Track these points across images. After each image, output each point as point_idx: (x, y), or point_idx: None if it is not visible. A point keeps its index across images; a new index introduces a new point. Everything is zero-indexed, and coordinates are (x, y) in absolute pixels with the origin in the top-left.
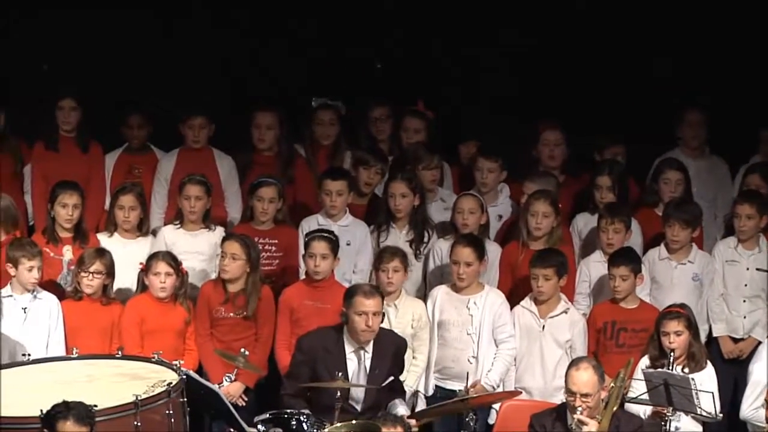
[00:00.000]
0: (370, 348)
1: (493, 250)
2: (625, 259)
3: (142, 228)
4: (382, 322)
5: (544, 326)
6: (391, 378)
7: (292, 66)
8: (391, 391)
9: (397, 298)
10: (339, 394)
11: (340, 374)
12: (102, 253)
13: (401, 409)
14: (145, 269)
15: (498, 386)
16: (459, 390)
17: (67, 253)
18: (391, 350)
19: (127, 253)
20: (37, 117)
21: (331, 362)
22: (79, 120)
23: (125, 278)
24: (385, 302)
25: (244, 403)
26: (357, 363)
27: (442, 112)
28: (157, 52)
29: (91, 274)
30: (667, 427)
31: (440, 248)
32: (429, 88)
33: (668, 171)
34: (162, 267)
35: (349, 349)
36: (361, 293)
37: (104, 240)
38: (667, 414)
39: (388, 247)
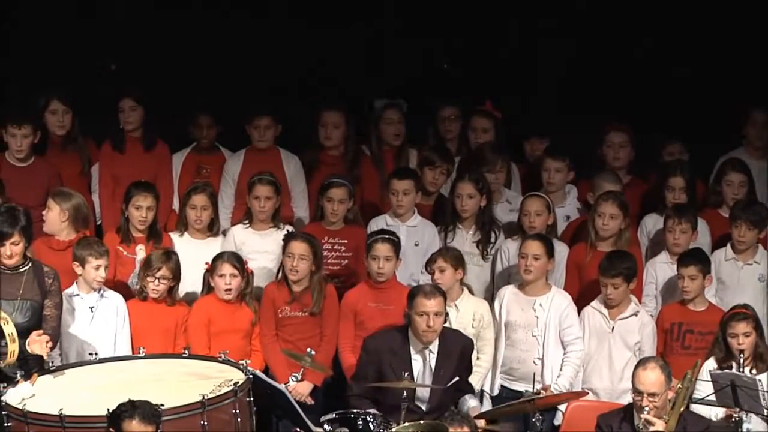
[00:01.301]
0: (435, 348)
1: (561, 250)
2: (694, 259)
3: (213, 228)
4: (445, 322)
5: (613, 328)
6: (456, 379)
7: (359, 65)
8: (457, 392)
9: (457, 298)
10: (405, 394)
11: (406, 374)
12: (169, 257)
13: (472, 402)
14: (210, 269)
15: (568, 390)
16: (525, 390)
17: (140, 252)
18: (456, 350)
19: (198, 254)
20: (107, 116)
21: (396, 363)
22: (142, 119)
23: (195, 278)
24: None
25: (312, 403)
26: (422, 363)
27: (508, 111)
28: (224, 51)
29: (156, 279)
30: (741, 429)
31: (507, 249)
32: (496, 88)
33: (731, 173)
34: (227, 269)
35: (414, 349)
36: (422, 294)
37: (175, 239)
38: (737, 416)
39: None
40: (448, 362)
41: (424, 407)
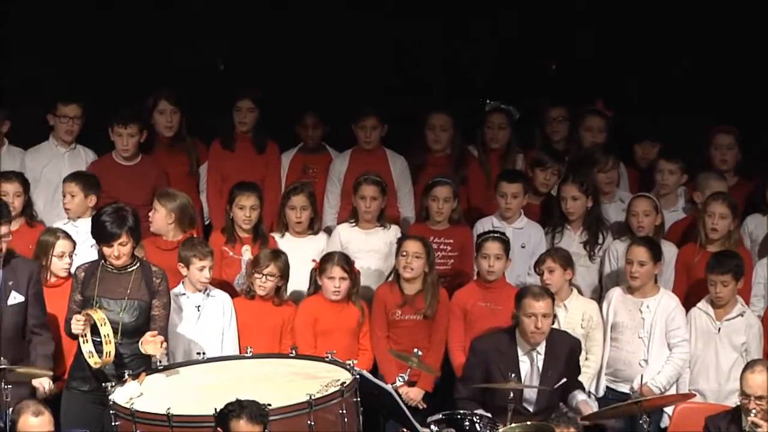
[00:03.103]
0: (542, 349)
1: (669, 250)
2: None
3: (313, 227)
4: (553, 323)
5: (719, 329)
6: (564, 380)
7: (467, 67)
8: (565, 393)
9: (566, 298)
10: (512, 395)
11: (513, 376)
12: (277, 256)
13: (580, 396)
14: (319, 269)
15: (665, 390)
16: (632, 392)
17: (246, 253)
18: (564, 351)
19: (300, 253)
20: (214, 116)
21: (503, 364)
22: (256, 121)
23: (298, 277)
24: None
25: (424, 407)
26: (529, 364)
27: (619, 113)
28: (332, 51)
29: (264, 276)
30: None
31: (616, 249)
32: (607, 88)
33: None
34: (337, 272)
35: (521, 350)
36: (530, 295)
37: (278, 240)
38: None
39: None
40: (555, 363)
41: (531, 408)
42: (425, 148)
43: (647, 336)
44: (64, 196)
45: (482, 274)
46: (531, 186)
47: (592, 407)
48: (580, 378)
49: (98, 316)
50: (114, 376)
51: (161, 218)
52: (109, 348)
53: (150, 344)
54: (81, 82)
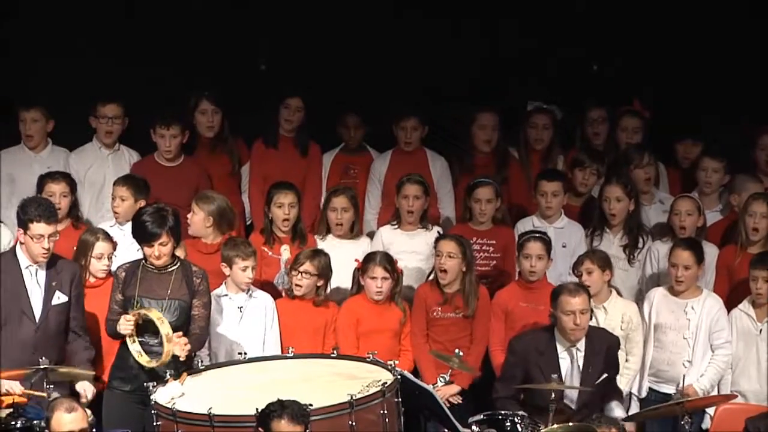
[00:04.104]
0: (582, 346)
1: (710, 251)
2: None
3: (354, 229)
4: (591, 319)
5: (761, 330)
6: (605, 376)
7: (509, 67)
8: (605, 390)
9: (606, 300)
10: (553, 395)
11: (554, 376)
12: (316, 255)
13: (618, 411)
14: (362, 269)
15: (709, 392)
16: (674, 393)
17: (285, 252)
18: (603, 348)
19: (342, 254)
20: (256, 117)
21: (544, 363)
22: (302, 121)
23: (340, 279)
24: (594, 304)
25: (460, 401)
26: (570, 361)
27: (659, 112)
28: (372, 51)
29: (300, 274)
30: None
31: (657, 250)
32: (644, 88)
33: None
34: (379, 272)
35: (561, 348)
36: (566, 292)
37: (318, 241)
38: None
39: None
40: (595, 360)
41: (573, 406)
42: (470, 148)
43: (692, 337)
44: (113, 199)
45: (524, 275)
46: (570, 186)
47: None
48: (621, 379)
49: (155, 315)
50: (155, 375)
51: (199, 221)
52: (169, 347)
53: (175, 345)
54: (123, 82)
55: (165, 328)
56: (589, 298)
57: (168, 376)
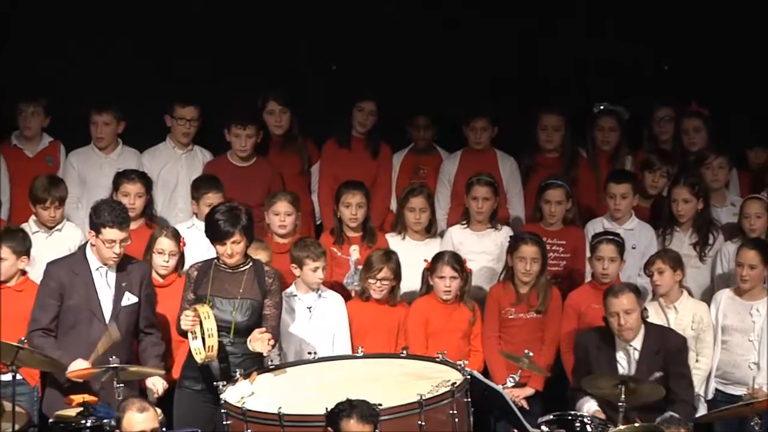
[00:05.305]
0: (638, 344)
1: None
2: None
3: (431, 229)
4: (644, 318)
5: None
6: (658, 374)
7: (576, 67)
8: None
9: (677, 300)
10: (623, 396)
11: (618, 374)
12: (389, 257)
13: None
14: (430, 269)
15: None
16: (744, 394)
17: (354, 252)
18: (662, 347)
19: (412, 254)
20: (328, 117)
21: (602, 359)
22: (375, 124)
23: (413, 279)
24: (664, 304)
25: (526, 407)
26: (627, 360)
27: (728, 118)
28: (443, 52)
29: (379, 281)
30: None
31: (728, 251)
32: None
33: None
34: (447, 271)
35: (618, 346)
36: (610, 294)
37: (393, 241)
38: None
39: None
40: (653, 358)
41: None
42: (536, 148)
43: (757, 339)
44: (196, 202)
45: (596, 277)
46: (640, 188)
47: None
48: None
49: (203, 310)
50: (225, 374)
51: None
52: (211, 342)
53: (257, 342)
54: (196, 83)
55: (208, 323)
56: (636, 296)
57: (238, 376)
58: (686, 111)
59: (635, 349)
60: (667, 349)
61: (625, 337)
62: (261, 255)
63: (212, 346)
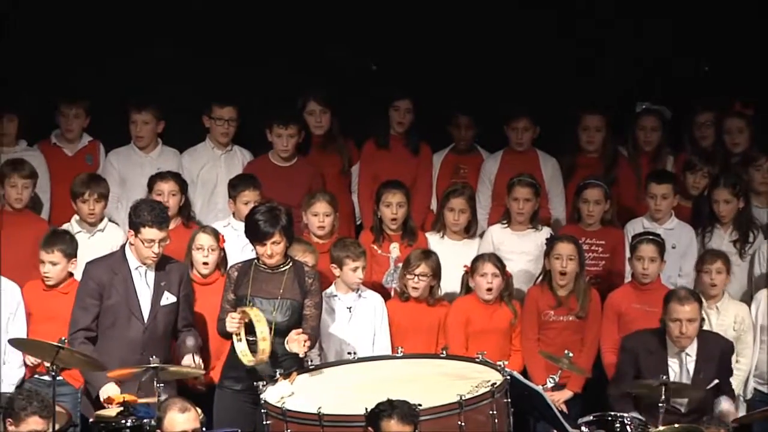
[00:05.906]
0: (693, 351)
1: None
2: None
3: (470, 230)
4: (702, 326)
5: None
6: (716, 381)
7: (618, 68)
8: (718, 393)
9: (718, 301)
10: (663, 396)
11: (663, 377)
12: (428, 255)
13: (725, 404)
14: (470, 271)
15: None
16: None
17: (394, 250)
18: (716, 353)
19: (455, 255)
20: (367, 117)
21: (652, 364)
22: (412, 122)
23: (453, 279)
24: (706, 305)
25: (565, 411)
26: (679, 366)
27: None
28: (485, 51)
29: (416, 277)
30: None
31: (766, 251)
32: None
33: None
34: (489, 268)
35: (670, 352)
36: (675, 299)
37: (433, 240)
38: None
39: (711, 249)
40: (707, 366)
41: (682, 409)
42: (576, 148)
43: None
44: (233, 200)
45: (637, 277)
46: (681, 188)
47: (735, 415)
48: (732, 380)
49: (254, 313)
50: (268, 375)
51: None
52: (264, 345)
53: (294, 342)
54: (234, 83)
55: (260, 327)
56: (700, 306)
57: (278, 376)
58: (729, 111)
59: (688, 355)
60: (719, 356)
61: (683, 344)
62: (308, 258)
63: (264, 350)
